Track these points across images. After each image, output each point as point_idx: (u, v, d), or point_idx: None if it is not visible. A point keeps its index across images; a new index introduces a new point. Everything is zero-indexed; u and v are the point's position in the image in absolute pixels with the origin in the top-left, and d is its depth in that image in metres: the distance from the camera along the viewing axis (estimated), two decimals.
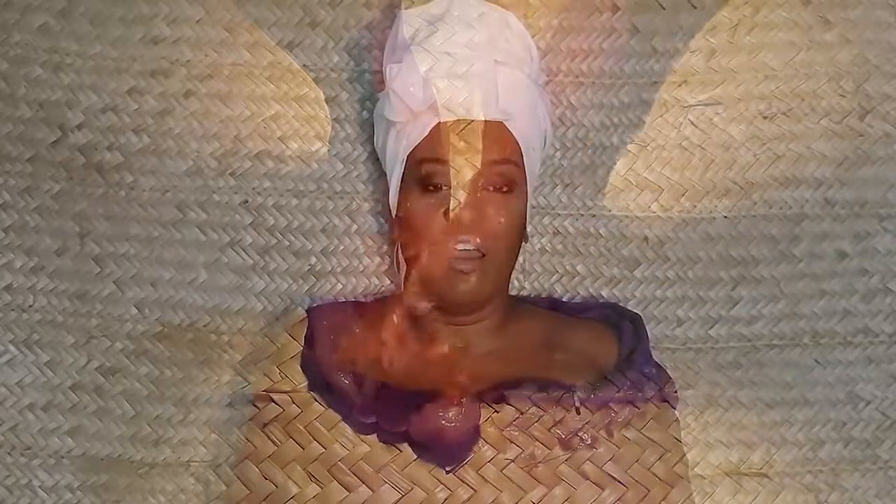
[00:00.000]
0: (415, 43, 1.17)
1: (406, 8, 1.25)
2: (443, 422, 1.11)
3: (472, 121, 1.13)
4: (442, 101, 1.13)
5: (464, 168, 1.13)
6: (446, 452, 1.11)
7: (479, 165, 1.13)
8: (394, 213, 1.20)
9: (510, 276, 1.22)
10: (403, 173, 1.17)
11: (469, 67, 1.14)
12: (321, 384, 1.16)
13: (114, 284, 1.27)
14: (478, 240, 1.12)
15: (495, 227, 1.13)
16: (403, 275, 1.23)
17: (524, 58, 1.18)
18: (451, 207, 1.12)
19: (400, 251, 1.21)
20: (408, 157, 1.16)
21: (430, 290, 1.16)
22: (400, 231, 1.19)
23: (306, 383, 1.16)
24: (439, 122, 1.14)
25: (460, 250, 1.12)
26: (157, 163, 1.30)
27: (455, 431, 1.11)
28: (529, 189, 1.19)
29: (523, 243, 1.22)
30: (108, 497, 1.23)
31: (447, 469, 1.10)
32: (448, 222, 1.12)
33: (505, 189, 1.15)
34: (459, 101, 1.13)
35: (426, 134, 1.14)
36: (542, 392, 1.14)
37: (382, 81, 1.23)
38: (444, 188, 1.14)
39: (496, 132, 1.14)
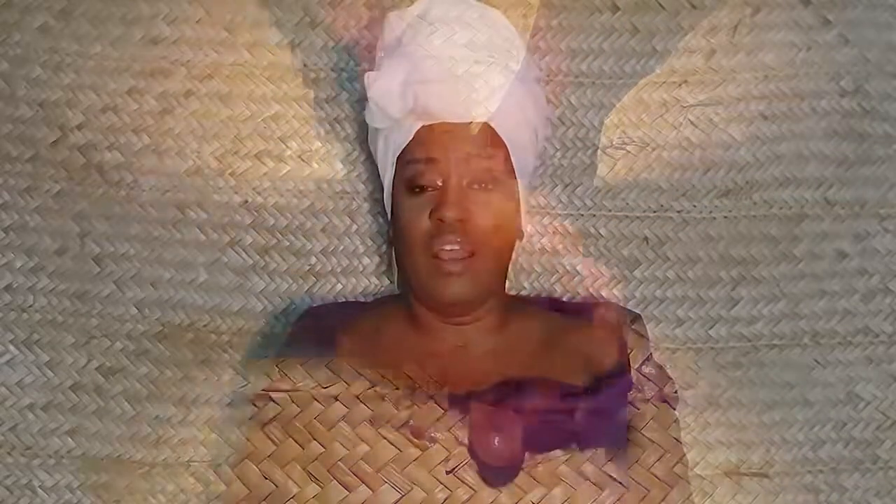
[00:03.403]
0: (398, 46, 1.17)
1: (397, 8, 1.25)
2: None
3: (455, 122, 1.13)
4: (422, 104, 1.13)
5: (447, 169, 1.13)
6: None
7: (462, 166, 1.13)
8: (388, 214, 1.21)
9: (505, 275, 1.22)
10: (393, 175, 1.17)
11: (449, 68, 1.13)
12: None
13: (114, 284, 1.27)
14: (464, 240, 1.12)
15: (482, 226, 1.13)
16: (399, 276, 1.23)
17: (509, 54, 1.18)
18: (436, 208, 1.12)
19: (394, 253, 1.21)
20: (397, 159, 1.16)
21: (421, 292, 1.16)
22: (393, 233, 1.20)
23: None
24: (422, 125, 1.14)
25: (447, 251, 1.12)
26: (157, 163, 1.30)
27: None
28: (523, 187, 1.19)
29: (518, 241, 1.22)
30: (108, 497, 1.23)
31: (447, 470, 1.10)
32: (434, 224, 1.12)
33: (490, 187, 1.15)
34: (440, 103, 1.13)
35: (410, 138, 1.15)
36: (542, 392, 1.14)
37: None
38: (430, 190, 1.14)
39: (480, 132, 1.14)
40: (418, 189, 1.14)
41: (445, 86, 1.13)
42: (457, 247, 1.12)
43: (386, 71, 1.15)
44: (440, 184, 1.13)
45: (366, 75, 1.17)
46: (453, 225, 1.12)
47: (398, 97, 1.14)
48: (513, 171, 1.17)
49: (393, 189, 1.18)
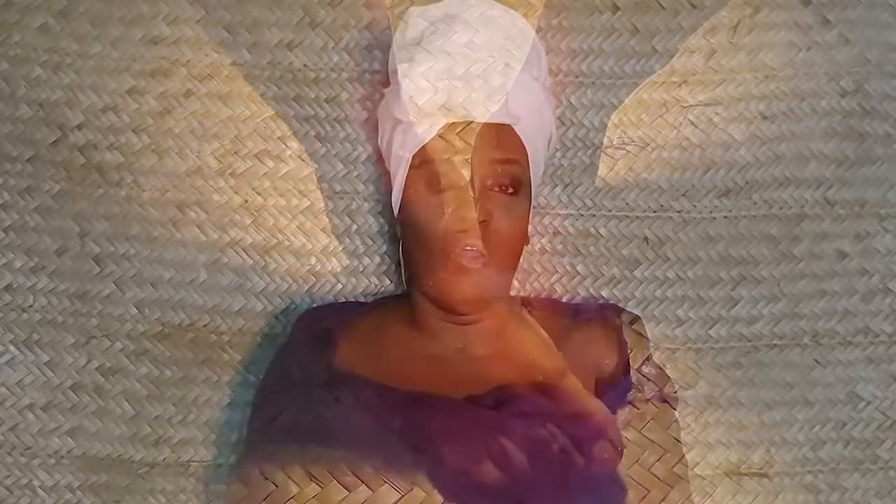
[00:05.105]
0: (424, 42, 1.16)
1: (420, 6, 1.25)
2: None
3: (480, 122, 1.13)
4: (450, 101, 1.13)
5: (471, 169, 1.13)
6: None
7: (485, 167, 1.13)
8: (396, 212, 1.20)
9: (512, 279, 1.22)
10: (408, 173, 1.16)
11: (478, 69, 1.13)
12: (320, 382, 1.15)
13: (114, 284, 1.27)
14: (483, 241, 1.12)
15: (501, 229, 1.13)
16: (405, 274, 1.23)
17: (533, 61, 1.18)
18: (458, 209, 1.12)
19: (401, 251, 1.21)
20: (414, 156, 1.16)
21: (433, 290, 1.16)
22: (403, 231, 1.19)
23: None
24: (447, 123, 1.14)
25: (466, 251, 1.11)
26: (157, 163, 1.30)
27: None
28: (532, 192, 1.19)
29: (525, 246, 1.22)
30: (108, 497, 1.23)
31: None
32: (453, 223, 1.12)
33: (511, 191, 1.15)
34: (468, 102, 1.13)
35: (433, 134, 1.14)
36: (542, 394, 1.14)
37: (387, 80, 1.23)
38: (450, 189, 1.13)
39: (503, 134, 1.14)
40: (438, 188, 1.14)
41: (475, 84, 1.13)
42: (477, 248, 1.12)
43: (418, 63, 1.15)
44: (462, 184, 1.13)
45: (399, 67, 1.16)
46: (474, 226, 1.11)
47: (430, 91, 1.13)
48: (530, 175, 1.17)
49: (407, 187, 1.17)
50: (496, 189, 1.14)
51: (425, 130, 1.14)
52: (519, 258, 1.20)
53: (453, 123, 1.13)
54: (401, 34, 1.21)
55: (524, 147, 1.15)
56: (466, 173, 1.13)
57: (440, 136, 1.14)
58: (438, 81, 1.13)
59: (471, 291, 1.13)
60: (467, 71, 1.13)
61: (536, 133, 1.18)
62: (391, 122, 1.18)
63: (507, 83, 1.14)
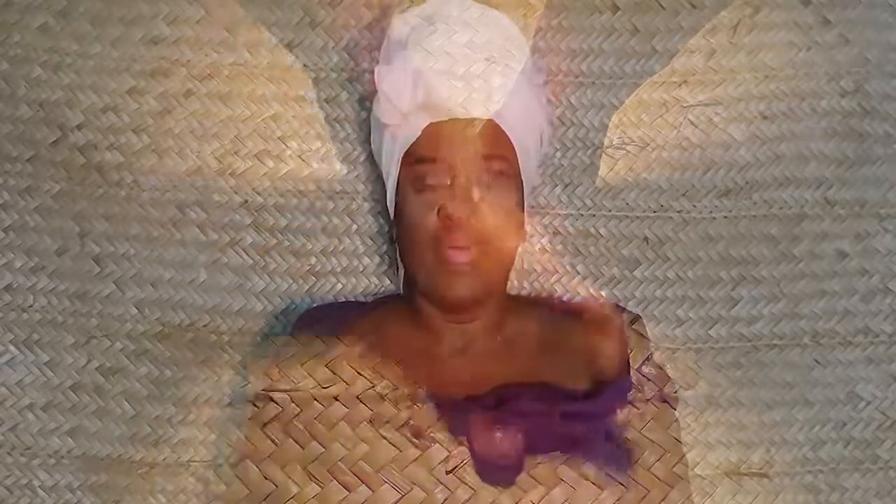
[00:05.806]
0: (406, 43, 1.17)
1: (404, 8, 1.25)
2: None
3: (464, 120, 1.13)
4: (432, 101, 1.13)
5: (456, 167, 1.13)
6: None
7: (471, 164, 1.13)
8: (391, 213, 1.21)
9: (507, 275, 1.22)
10: (399, 174, 1.17)
11: (460, 67, 1.14)
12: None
13: (114, 284, 1.27)
14: (471, 238, 1.12)
15: (490, 225, 1.13)
16: (402, 275, 1.23)
17: (517, 56, 1.18)
18: (444, 207, 1.12)
19: (397, 252, 1.21)
20: (402, 157, 1.16)
21: (426, 289, 1.16)
22: (398, 231, 1.20)
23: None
24: (430, 123, 1.14)
25: (455, 249, 1.12)
26: (157, 163, 1.30)
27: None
28: (526, 188, 1.19)
29: (521, 242, 1.22)
30: (108, 497, 1.23)
31: (447, 470, 1.10)
32: (441, 222, 1.12)
33: (498, 187, 1.15)
34: (450, 100, 1.13)
35: (418, 135, 1.15)
36: (542, 394, 1.14)
37: None
38: (438, 188, 1.14)
39: (488, 131, 1.14)
40: (426, 187, 1.14)
41: (457, 82, 1.13)
42: (464, 245, 1.12)
43: (397, 65, 1.16)
44: (448, 182, 1.13)
45: (376, 69, 1.17)
46: (461, 223, 1.12)
47: (409, 91, 1.14)
48: (519, 172, 1.17)
49: (398, 187, 1.18)
50: (482, 186, 1.14)
51: (410, 132, 1.15)
52: (513, 255, 1.20)
53: (436, 123, 1.14)
54: (386, 37, 1.22)
55: (511, 143, 1.16)
56: (451, 171, 1.13)
57: (424, 136, 1.14)
58: (417, 83, 1.13)
59: (462, 288, 1.13)
60: (449, 69, 1.14)
61: (523, 129, 1.18)
62: (379, 126, 1.19)
63: (490, 80, 1.14)
